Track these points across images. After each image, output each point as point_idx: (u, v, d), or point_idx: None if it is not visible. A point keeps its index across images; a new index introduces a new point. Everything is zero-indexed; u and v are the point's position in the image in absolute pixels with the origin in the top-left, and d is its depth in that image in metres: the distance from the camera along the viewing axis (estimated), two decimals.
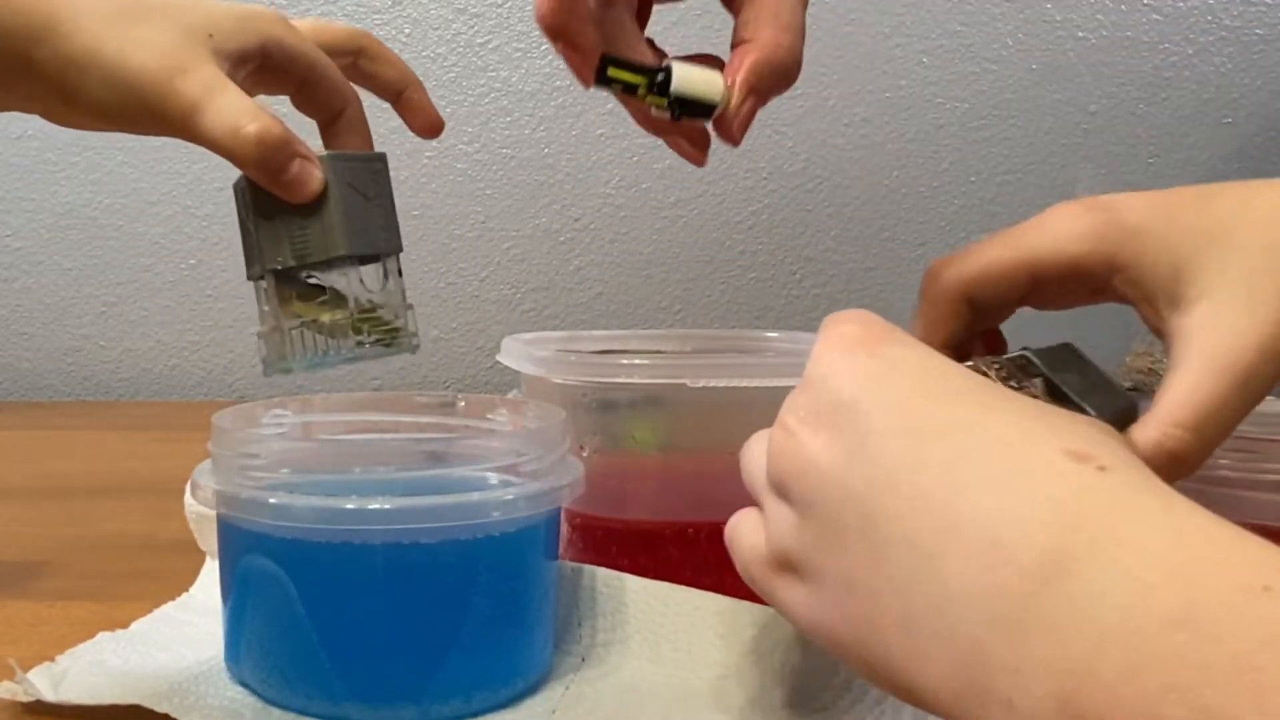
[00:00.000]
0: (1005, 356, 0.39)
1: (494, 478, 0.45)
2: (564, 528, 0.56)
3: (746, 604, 0.45)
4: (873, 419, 0.31)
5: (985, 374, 0.37)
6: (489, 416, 0.50)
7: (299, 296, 0.46)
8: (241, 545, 0.43)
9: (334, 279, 0.46)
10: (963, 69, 1.27)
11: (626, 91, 0.53)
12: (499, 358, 0.63)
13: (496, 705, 0.43)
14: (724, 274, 1.30)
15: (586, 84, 0.53)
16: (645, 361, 0.56)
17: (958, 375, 0.32)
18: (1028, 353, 0.40)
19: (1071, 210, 0.40)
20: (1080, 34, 1.28)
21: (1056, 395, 0.38)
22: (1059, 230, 0.40)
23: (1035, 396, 0.37)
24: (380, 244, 0.47)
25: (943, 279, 0.42)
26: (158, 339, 1.28)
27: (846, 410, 0.31)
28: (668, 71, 0.52)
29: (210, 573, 0.55)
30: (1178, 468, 0.36)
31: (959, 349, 0.44)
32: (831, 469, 0.31)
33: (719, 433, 0.59)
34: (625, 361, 0.55)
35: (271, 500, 0.41)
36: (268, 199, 0.45)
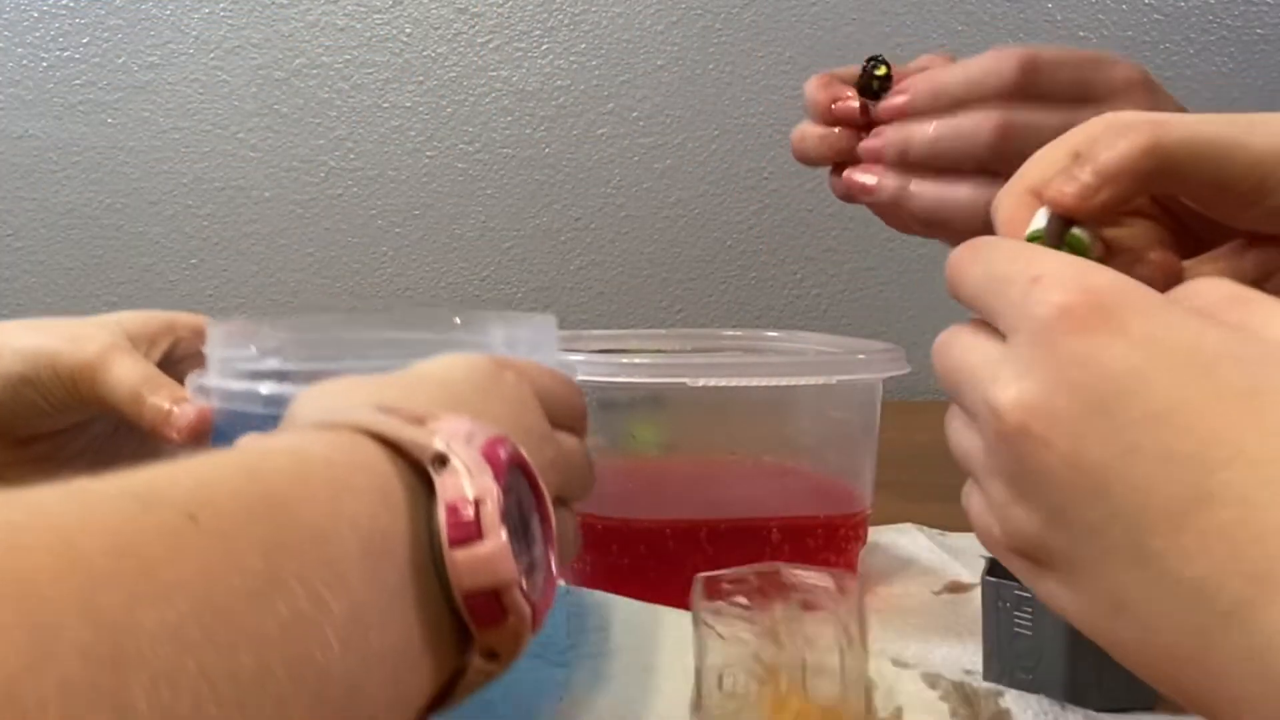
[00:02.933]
0: None
1: None
2: None
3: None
4: (1140, 432, 0.27)
5: None
6: (488, 330, 0.50)
7: None
8: (234, 437, 0.43)
9: None
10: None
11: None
12: None
13: None
14: (724, 274, 1.30)
15: None
16: (645, 361, 0.56)
17: (1233, 357, 0.27)
18: None
19: None
20: (1081, 34, 1.28)
21: None
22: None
23: None
24: None
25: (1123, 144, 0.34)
26: None
27: (1099, 415, 0.27)
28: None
29: None
30: None
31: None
32: (1089, 479, 0.27)
33: (719, 433, 0.59)
34: (625, 361, 0.55)
35: (262, 390, 0.42)
36: None
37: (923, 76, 0.55)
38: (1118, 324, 0.28)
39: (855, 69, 0.59)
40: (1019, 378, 0.29)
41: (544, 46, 1.27)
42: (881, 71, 0.58)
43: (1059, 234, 0.35)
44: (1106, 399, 0.27)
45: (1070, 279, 0.29)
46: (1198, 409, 0.26)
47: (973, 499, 0.32)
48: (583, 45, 1.27)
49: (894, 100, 0.56)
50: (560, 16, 1.27)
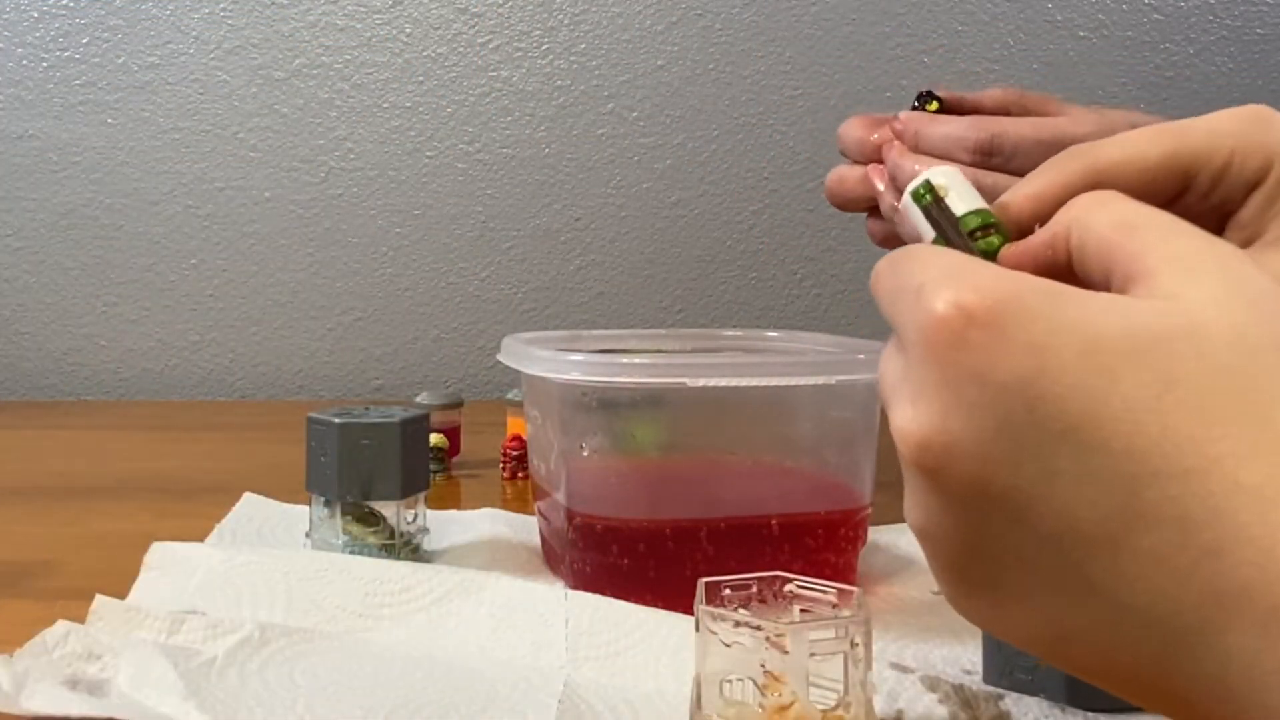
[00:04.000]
0: None
1: None
2: (564, 527, 0.56)
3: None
4: (1052, 451, 0.24)
5: None
6: None
7: (356, 520, 0.60)
8: None
9: (383, 509, 0.60)
10: (963, 69, 1.27)
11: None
12: (499, 358, 0.63)
13: None
14: (724, 274, 1.30)
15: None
16: (645, 361, 0.56)
17: (1135, 354, 0.24)
18: None
19: (1230, 110, 0.33)
20: (1080, 34, 1.28)
21: None
22: (1218, 120, 0.33)
23: None
24: (420, 486, 0.62)
25: (1070, 164, 0.34)
26: (158, 339, 1.28)
27: (1002, 436, 0.25)
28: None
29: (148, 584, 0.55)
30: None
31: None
32: (1003, 507, 0.25)
33: (719, 433, 0.59)
34: (625, 361, 0.55)
35: None
36: (353, 446, 0.58)
37: (915, 120, 0.55)
38: (1002, 330, 0.25)
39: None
40: (913, 400, 0.26)
41: (544, 46, 1.27)
42: (933, 107, 0.56)
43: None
44: (1007, 418, 0.24)
45: (949, 283, 0.26)
46: (1108, 420, 0.24)
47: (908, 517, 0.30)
48: (583, 45, 1.27)
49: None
50: (560, 16, 1.27)
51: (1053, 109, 0.57)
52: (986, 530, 0.26)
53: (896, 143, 0.56)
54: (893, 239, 0.58)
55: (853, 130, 0.57)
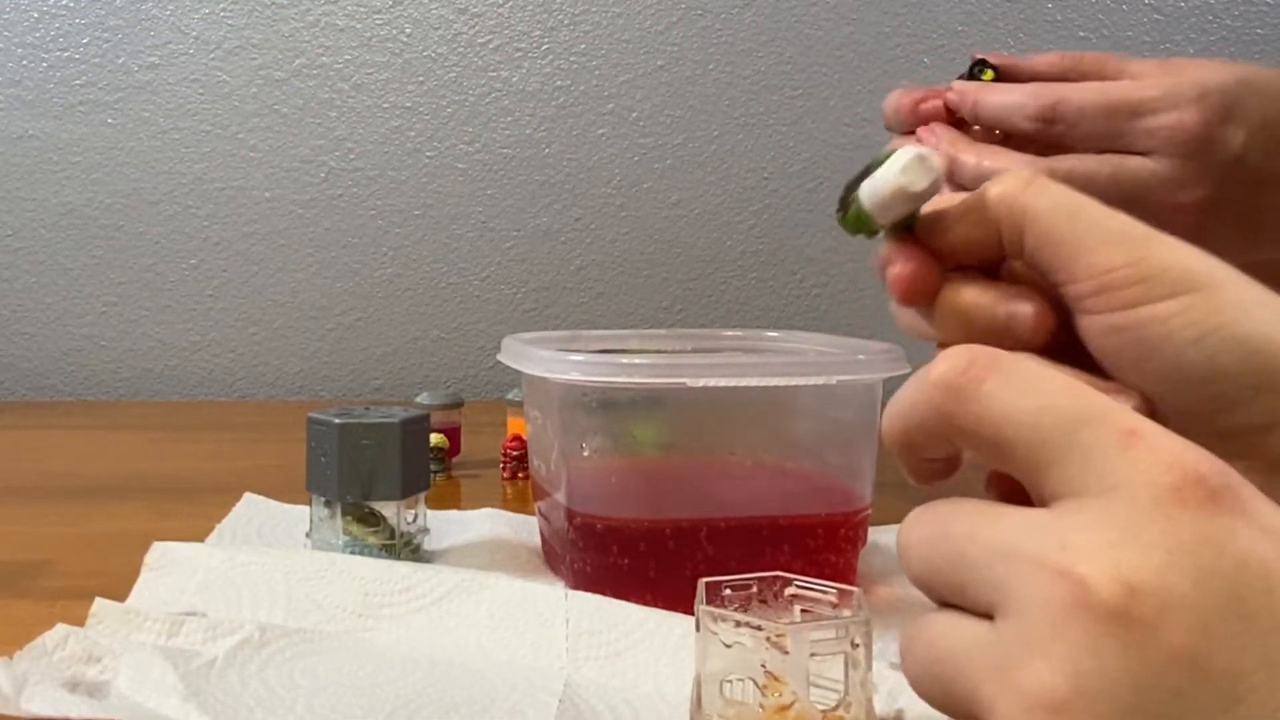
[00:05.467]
0: None
1: None
2: (565, 527, 0.56)
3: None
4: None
5: None
6: None
7: (356, 520, 0.59)
8: None
9: (383, 509, 0.60)
10: (963, 69, 1.27)
11: None
12: (499, 358, 0.63)
13: None
14: (724, 274, 1.30)
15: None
16: (645, 361, 0.56)
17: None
18: None
19: None
20: (1080, 34, 1.27)
21: None
22: None
23: None
24: (423, 485, 0.62)
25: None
26: (158, 339, 1.28)
27: (1234, 612, 0.23)
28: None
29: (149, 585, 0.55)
30: None
31: None
32: (1214, 687, 0.23)
33: (719, 433, 0.59)
34: (625, 361, 0.55)
35: None
36: (354, 446, 0.58)
37: (971, 89, 0.54)
38: (1244, 506, 0.23)
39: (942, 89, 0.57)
40: (1112, 546, 0.23)
41: (544, 46, 1.27)
42: (988, 76, 0.55)
43: None
44: (1242, 593, 0.22)
45: (1170, 450, 0.24)
46: None
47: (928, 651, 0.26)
48: (583, 45, 1.27)
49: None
50: (560, 16, 1.27)
51: (1111, 69, 0.55)
52: (1181, 707, 0.22)
53: (954, 136, 0.54)
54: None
55: (895, 99, 0.57)
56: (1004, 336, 0.32)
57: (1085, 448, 0.25)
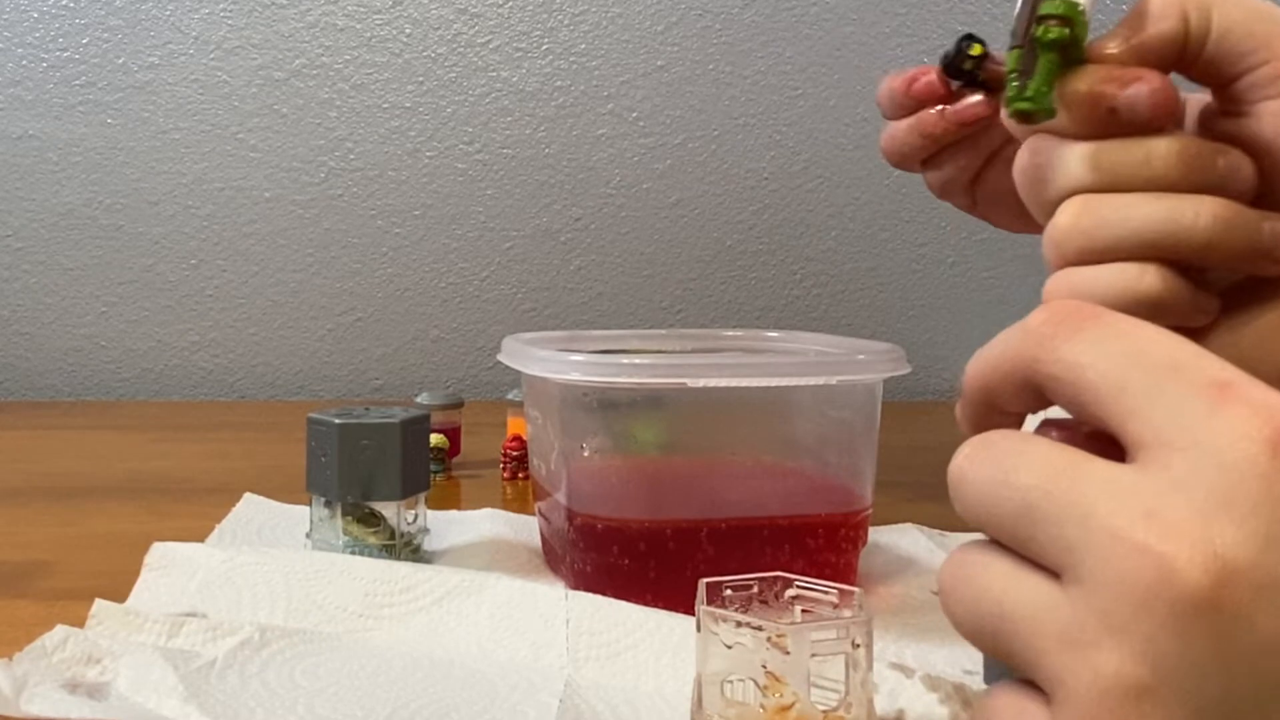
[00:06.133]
0: None
1: None
2: (565, 528, 0.56)
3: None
4: None
5: None
6: None
7: (356, 520, 0.59)
8: None
9: (383, 509, 0.60)
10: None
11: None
12: (499, 358, 0.63)
13: None
14: (724, 274, 1.30)
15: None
16: (645, 361, 0.56)
17: None
18: None
19: None
20: None
21: None
22: None
23: None
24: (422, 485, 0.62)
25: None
26: (158, 339, 1.28)
27: None
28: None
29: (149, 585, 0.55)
30: None
31: None
32: None
33: (719, 433, 0.59)
34: (625, 361, 0.55)
35: None
36: (354, 447, 0.58)
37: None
38: None
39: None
40: (1203, 516, 0.21)
41: (544, 46, 1.27)
42: (976, 51, 0.53)
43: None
44: None
45: (1266, 403, 0.22)
46: None
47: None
48: (583, 45, 1.27)
49: (974, 99, 0.53)
50: (560, 16, 1.27)
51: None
52: (1277, 701, 0.21)
53: None
54: (951, 185, 0.57)
55: (890, 85, 0.55)
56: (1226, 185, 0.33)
57: (1174, 397, 0.23)
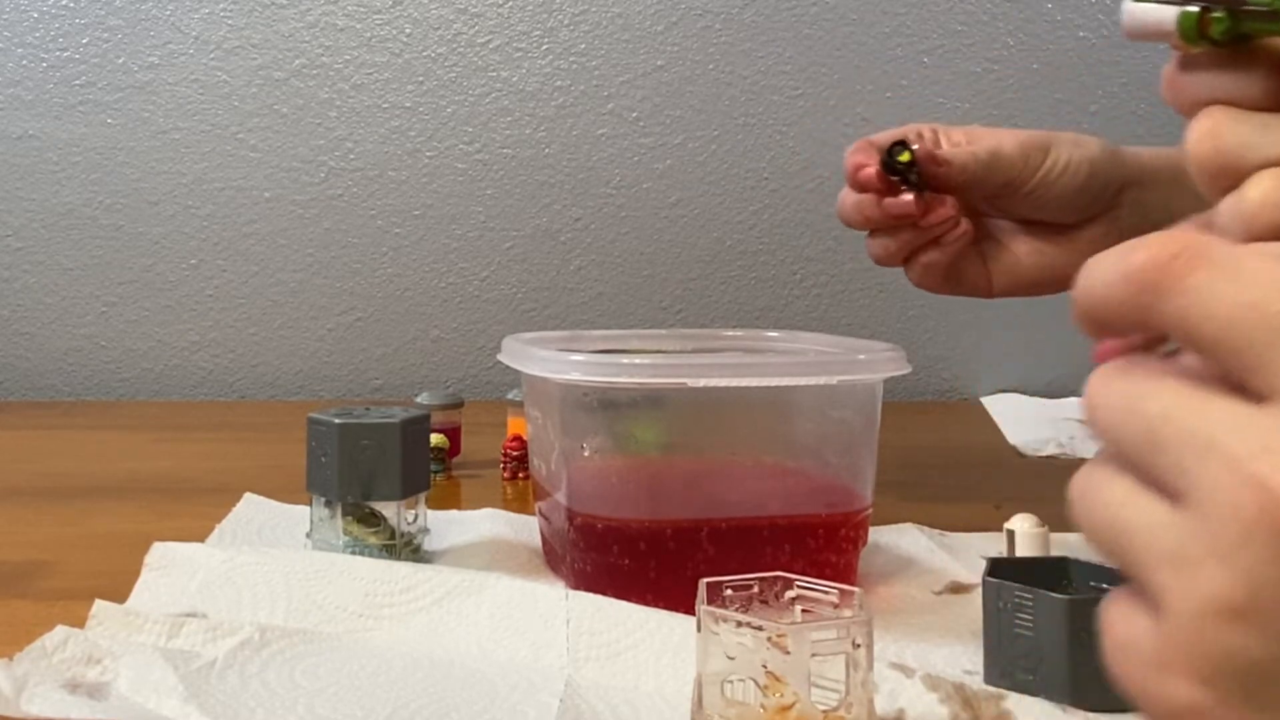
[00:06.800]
0: None
1: None
2: (565, 527, 0.56)
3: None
4: None
5: None
6: None
7: (357, 520, 0.59)
8: None
9: (384, 509, 0.60)
10: (963, 69, 1.27)
11: None
12: (499, 358, 0.63)
13: None
14: (724, 274, 1.30)
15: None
16: (645, 361, 0.56)
17: None
18: None
19: None
20: (1080, 34, 1.27)
21: None
22: None
23: None
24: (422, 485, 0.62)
25: None
26: (158, 339, 1.28)
27: None
28: None
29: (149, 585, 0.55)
30: None
31: None
32: None
33: (719, 433, 0.59)
34: (625, 361, 0.55)
35: None
36: (354, 447, 0.58)
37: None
38: None
39: (894, 135, 0.64)
40: None
41: (544, 46, 1.27)
42: (904, 158, 0.62)
43: None
44: None
45: None
46: None
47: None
48: (583, 45, 1.27)
49: (905, 198, 0.63)
50: (560, 16, 1.27)
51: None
52: None
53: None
54: (886, 259, 0.65)
55: (847, 158, 0.64)
56: None
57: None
